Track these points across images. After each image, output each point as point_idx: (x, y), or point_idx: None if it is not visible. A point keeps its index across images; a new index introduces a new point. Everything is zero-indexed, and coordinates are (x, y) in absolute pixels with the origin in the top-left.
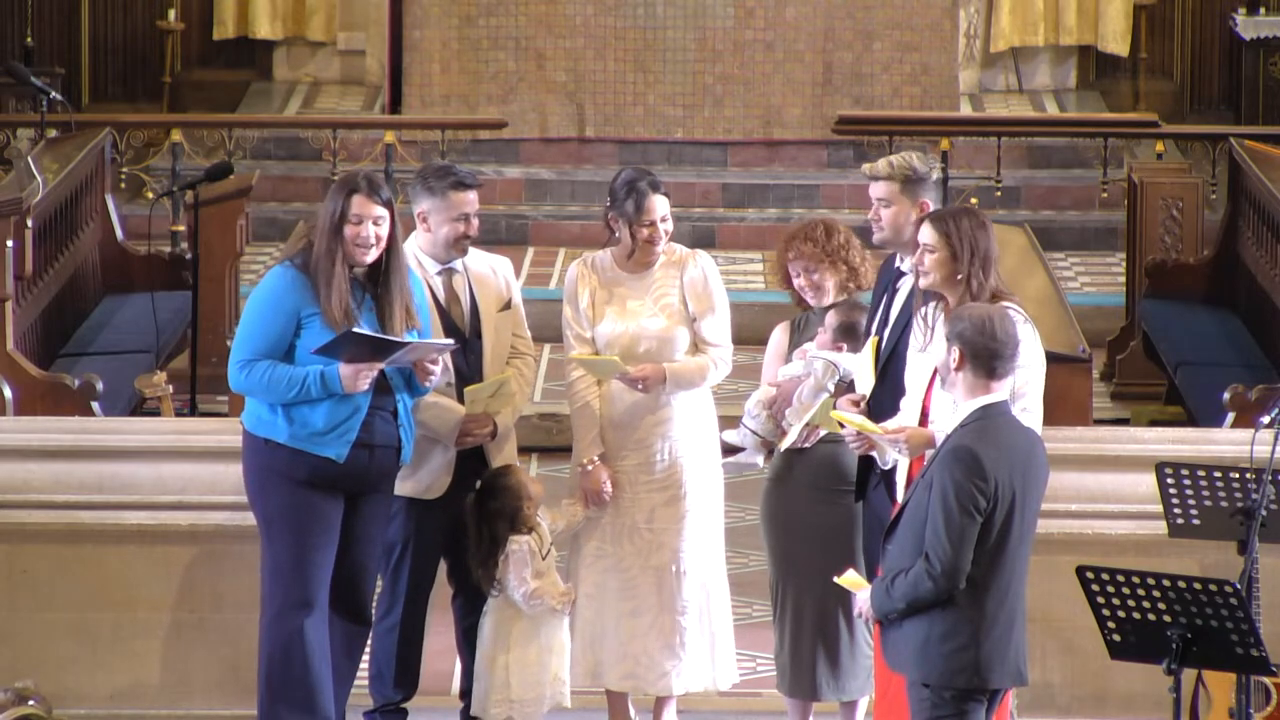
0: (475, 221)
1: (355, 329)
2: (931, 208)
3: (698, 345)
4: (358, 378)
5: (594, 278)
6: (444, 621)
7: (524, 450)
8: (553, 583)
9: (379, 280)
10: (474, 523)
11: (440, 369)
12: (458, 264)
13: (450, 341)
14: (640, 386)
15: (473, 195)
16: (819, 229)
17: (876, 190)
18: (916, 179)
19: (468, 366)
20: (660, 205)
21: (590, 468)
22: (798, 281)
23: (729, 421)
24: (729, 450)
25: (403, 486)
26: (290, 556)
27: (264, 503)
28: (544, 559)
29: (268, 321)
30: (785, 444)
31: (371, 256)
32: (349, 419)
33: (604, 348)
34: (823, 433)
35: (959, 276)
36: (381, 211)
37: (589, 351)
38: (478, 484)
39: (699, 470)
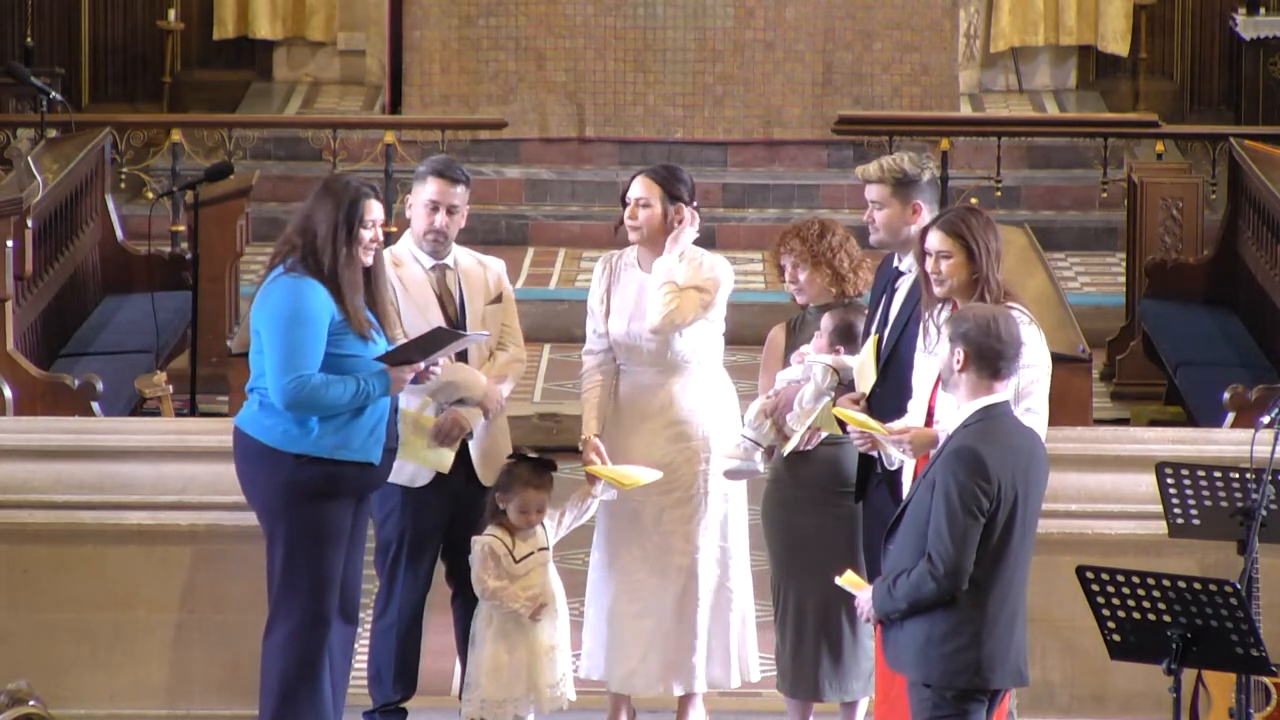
0: (445, 218)
1: (440, 326)
2: (925, 209)
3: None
4: (404, 377)
5: (608, 277)
6: (444, 621)
7: None
8: (523, 586)
9: (369, 284)
10: None
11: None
12: (449, 260)
13: (485, 333)
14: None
15: (457, 190)
16: (814, 227)
17: (870, 192)
18: (908, 181)
19: (454, 360)
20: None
21: (582, 448)
22: (785, 276)
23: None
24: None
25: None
26: (312, 574)
27: (286, 520)
28: (518, 562)
29: (313, 335)
30: (788, 448)
31: (370, 260)
32: (380, 420)
33: (613, 346)
34: (824, 435)
35: (976, 278)
36: (382, 215)
37: (603, 347)
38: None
39: (712, 471)
